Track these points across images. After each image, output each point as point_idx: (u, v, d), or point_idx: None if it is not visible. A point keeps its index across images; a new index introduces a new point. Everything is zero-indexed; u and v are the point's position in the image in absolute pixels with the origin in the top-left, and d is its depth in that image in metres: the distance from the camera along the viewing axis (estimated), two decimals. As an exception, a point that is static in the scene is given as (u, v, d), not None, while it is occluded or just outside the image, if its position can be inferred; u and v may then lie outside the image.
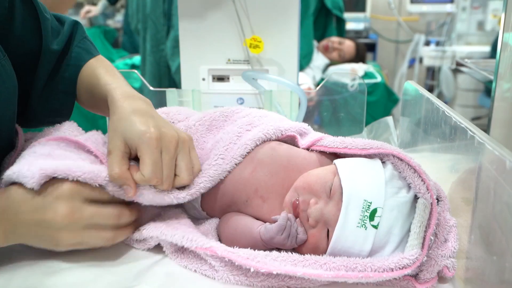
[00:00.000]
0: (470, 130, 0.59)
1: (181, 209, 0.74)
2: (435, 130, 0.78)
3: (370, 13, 4.31)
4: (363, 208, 0.61)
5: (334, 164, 0.68)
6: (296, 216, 0.66)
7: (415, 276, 0.61)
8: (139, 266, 0.65)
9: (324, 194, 0.65)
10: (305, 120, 1.18)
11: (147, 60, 2.76)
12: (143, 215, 0.71)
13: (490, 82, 1.38)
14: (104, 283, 0.61)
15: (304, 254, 0.65)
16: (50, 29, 0.80)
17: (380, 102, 3.05)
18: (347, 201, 0.61)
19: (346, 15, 3.78)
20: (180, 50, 1.25)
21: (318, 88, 1.32)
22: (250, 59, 1.22)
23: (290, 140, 0.78)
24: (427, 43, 4.17)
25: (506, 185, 0.48)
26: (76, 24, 0.85)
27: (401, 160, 0.66)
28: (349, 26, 4.05)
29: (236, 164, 0.71)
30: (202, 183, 0.69)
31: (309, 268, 0.58)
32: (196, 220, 0.74)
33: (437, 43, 4.09)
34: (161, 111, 0.80)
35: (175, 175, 0.68)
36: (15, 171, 0.62)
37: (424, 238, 0.61)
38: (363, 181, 0.63)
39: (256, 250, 0.61)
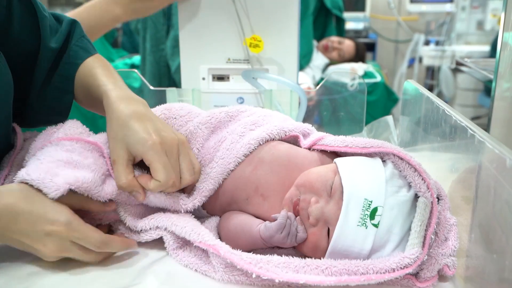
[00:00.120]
0: (470, 129, 0.59)
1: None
2: (435, 129, 0.78)
3: (370, 13, 4.31)
4: (364, 207, 0.61)
5: (335, 163, 0.68)
6: (296, 214, 0.66)
7: (416, 274, 0.61)
8: (139, 265, 0.65)
9: (325, 192, 0.65)
10: (305, 119, 1.18)
11: (147, 60, 2.75)
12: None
13: (490, 81, 1.38)
14: (105, 282, 0.61)
15: (304, 253, 0.65)
16: (48, 27, 0.80)
17: (379, 101, 3.05)
18: (347, 200, 0.61)
19: (346, 15, 3.78)
20: (180, 50, 1.25)
21: (318, 87, 1.32)
22: (250, 58, 1.22)
23: (293, 140, 0.78)
24: (427, 43, 4.16)
25: (506, 184, 0.48)
26: (74, 23, 0.85)
27: (402, 159, 0.66)
28: (349, 25, 4.04)
29: (238, 163, 0.72)
30: (206, 185, 0.71)
31: (311, 275, 0.58)
32: (197, 218, 0.74)
33: (437, 43, 4.09)
34: (163, 107, 0.80)
35: None
36: (34, 178, 0.61)
37: (424, 237, 0.61)
38: (364, 180, 0.63)
39: (259, 255, 0.61)
